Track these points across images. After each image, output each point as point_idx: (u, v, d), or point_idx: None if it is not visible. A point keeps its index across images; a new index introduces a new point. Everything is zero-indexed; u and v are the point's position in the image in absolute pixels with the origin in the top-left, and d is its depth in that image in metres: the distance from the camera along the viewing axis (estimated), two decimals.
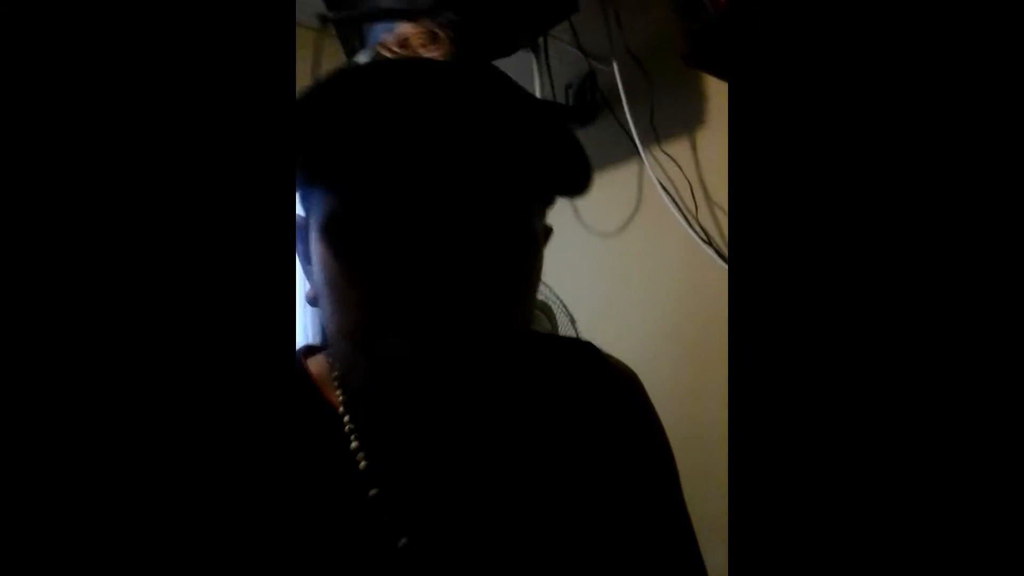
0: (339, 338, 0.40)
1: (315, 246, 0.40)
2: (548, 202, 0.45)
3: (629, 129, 1.02)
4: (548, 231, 0.46)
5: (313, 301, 0.43)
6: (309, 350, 0.49)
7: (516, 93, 0.39)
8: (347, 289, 0.38)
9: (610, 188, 1.15)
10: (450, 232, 0.37)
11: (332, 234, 0.39)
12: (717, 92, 1.00)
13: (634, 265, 1.09)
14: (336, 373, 0.45)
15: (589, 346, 0.55)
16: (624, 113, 1.03)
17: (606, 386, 0.52)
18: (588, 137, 1.14)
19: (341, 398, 0.44)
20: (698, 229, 0.95)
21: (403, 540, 0.40)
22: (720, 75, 0.95)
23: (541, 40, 1.04)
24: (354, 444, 0.42)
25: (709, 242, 0.95)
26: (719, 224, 0.97)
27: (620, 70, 1.03)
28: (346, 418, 0.43)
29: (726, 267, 0.93)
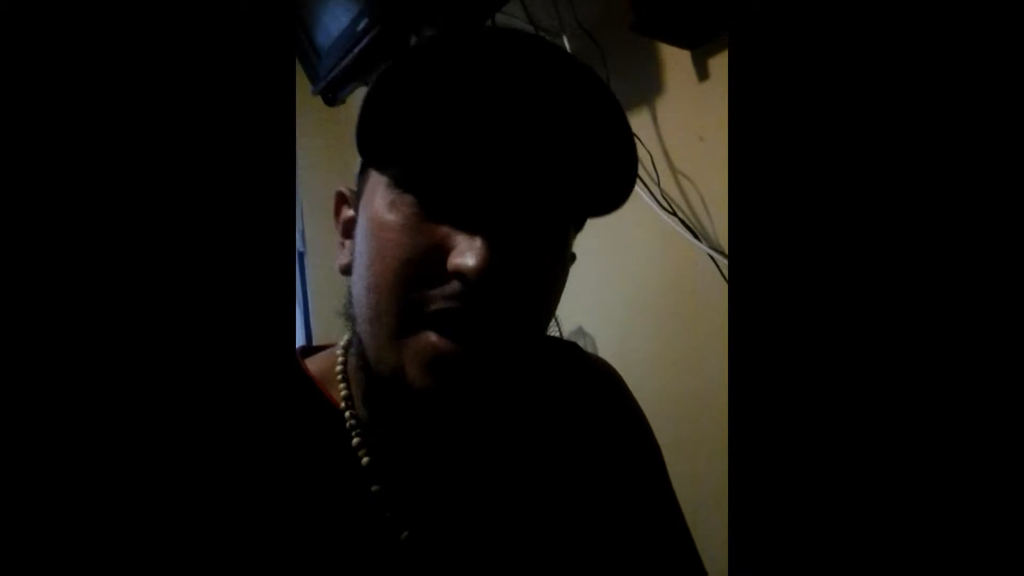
0: (370, 309, 0.40)
1: (372, 212, 0.40)
2: (580, 225, 0.46)
3: None
4: (573, 257, 0.47)
5: (346, 270, 0.44)
6: (306, 351, 0.50)
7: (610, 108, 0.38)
8: (397, 243, 0.38)
9: None
10: (500, 219, 0.37)
11: (398, 192, 0.39)
12: (672, 60, 0.98)
13: (602, 241, 1.08)
14: (340, 367, 0.45)
15: (573, 346, 0.56)
16: None
17: (590, 384, 0.53)
18: None
19: (343, 393, 0.44)
20: (661, 199, 0.94)
21: (405, 534, 0.40)
22: (671, 41, 0.93)
23: (490, 20, 1.02)
24: (356, 440, 0.42)
25: (673, 212, 0.93)
26: (684, 192, 0.96)
27: (571, 44, 1.01)
28: (347, 414, 0.43)
29: (691, 236, 0.91)
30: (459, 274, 0.36)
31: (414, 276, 0.37)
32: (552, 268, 0.41)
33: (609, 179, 0.42)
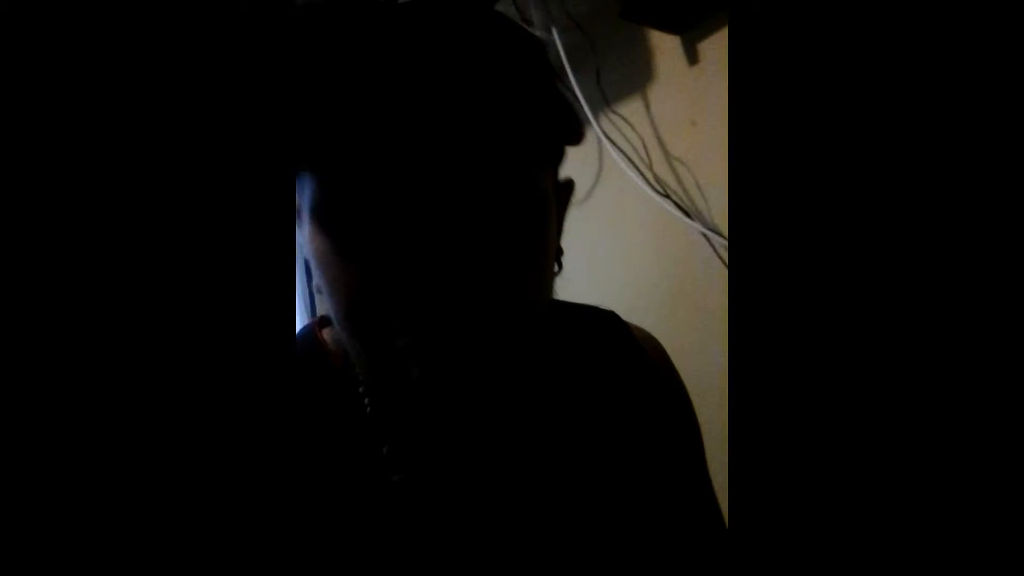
0: (347, 334, 0.38)
1: (307, 233, 0.37)
2: (556, 157, 0.41)
3: (576, 94, 1.00)
4: (568, 186, 0.42)
5: (320, 289, 0.40)
6: (324, 321, 0.47)
7: (502, 32, 0.35)
8: (340, 276, 0.35)
9: (570, 160, 1.13)
10: (443, 202, 0.33)
11: (318, 218, 0.35)
12: (662, 46, 0.99)
13: (598, 228, 1.07)
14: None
15: (611, 315, 0.52)
16: (570, 81, 1.02)
17: (631, 356, 0.50)
18: None
19: (357, 368, 0.43)
20: (654, 183, 0.93)
21: (421, 523, 0.39)
22: (660, 27, 0.94)
23: None
24: (372, 414, 0.41)
25: (667, 195, 0.93)
26: (678, 176, 0.95)
27: (561, 37, 1.01)
28: (362, 389, 0.42)
29: (686, 217, 0.90)
30: (417, 305, 0.34)
31: (371, 314, 0.35)
32: (527, 220, 0.37)
33: (545, 120, 0.38)
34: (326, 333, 0.46)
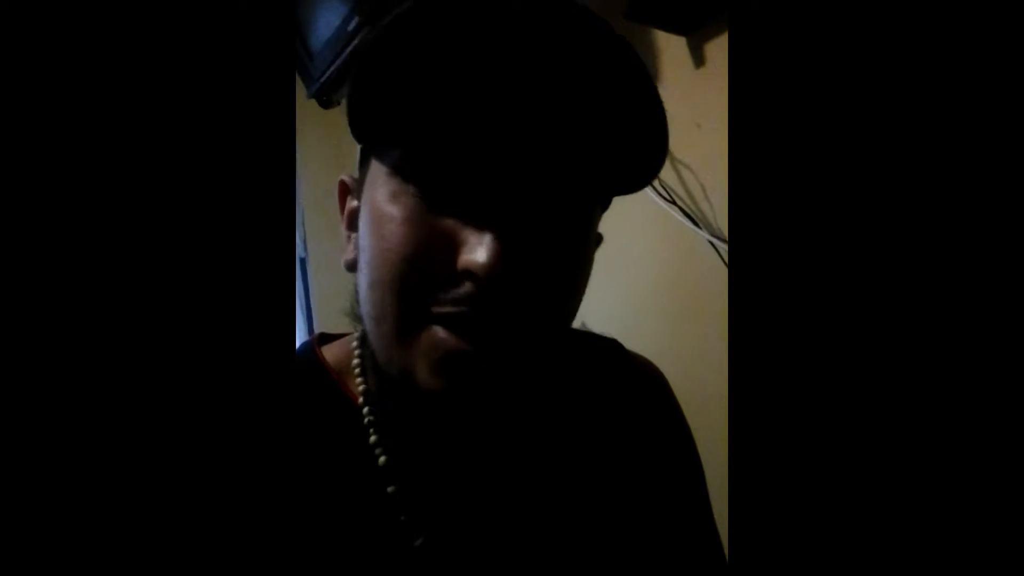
0: (373, 308, 0.37)
1: (373, 204, 0.37)
2: (606, 204, 0.42)
3: None
4: (599, 239, 0.43)
5: (352, 266, 0.40)
6: (323, 338, 0.47)
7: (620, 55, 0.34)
8: (401, 235, 0.35)
9: None
10: (520, 205, 0.34)
11: (396, 180, 0.36)
12: (668, 47, 0.97)
13: (607, 240, 1.06)
14: (357, 361, 0.43)
15: (614, 343, 0.53)
16: None
17: (632, 385, 0.50)
18: None
19: (361, 387, 0.42)
20: (659, 188, 0.92)
21: (419, 540, 0.39)
22: (665, 27, 0.92)
23: None
24: (373, 438, 0.41)
25: (673, 200, 0.92)
26: (683, 180, 0.94)
27: None
28: (365, 410, 0.42)
29: (692, 224, 0.90)
30: (469, 273, 0.33)
31: (419, 274, 0.34)
32: (575, 256, 0.38)
33: (636, 150, 0.37)
34: (325, 350, 0.45)
